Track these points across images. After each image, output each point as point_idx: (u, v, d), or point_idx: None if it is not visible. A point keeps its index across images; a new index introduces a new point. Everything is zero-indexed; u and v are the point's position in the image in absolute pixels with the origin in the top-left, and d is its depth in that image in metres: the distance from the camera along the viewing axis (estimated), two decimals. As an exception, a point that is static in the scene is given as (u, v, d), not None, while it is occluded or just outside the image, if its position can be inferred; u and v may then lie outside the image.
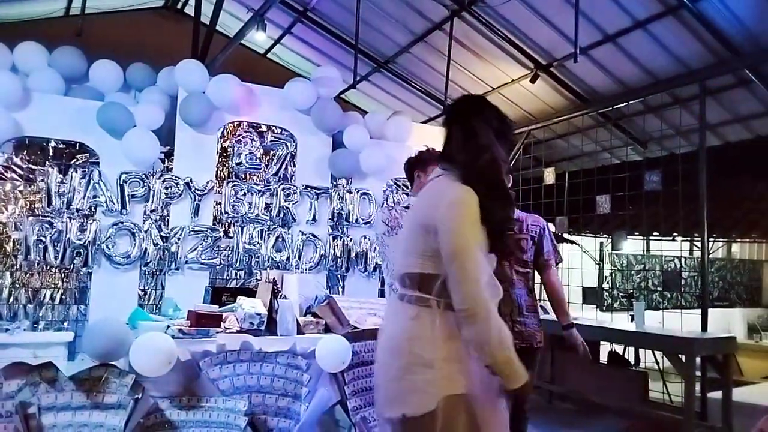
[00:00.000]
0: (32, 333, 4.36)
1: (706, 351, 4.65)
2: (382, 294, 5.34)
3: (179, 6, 8.10)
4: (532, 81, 6.52)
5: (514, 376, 1.71)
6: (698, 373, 4.86)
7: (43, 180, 4.53)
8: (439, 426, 1.69)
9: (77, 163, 4.62)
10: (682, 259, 9.58)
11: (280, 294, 3.92)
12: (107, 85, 4.94)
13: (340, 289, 5.24)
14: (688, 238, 9.52)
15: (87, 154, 4.64)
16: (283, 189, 5.04)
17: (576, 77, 6.50)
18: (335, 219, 5.23)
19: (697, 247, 8.32)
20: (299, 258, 5.05)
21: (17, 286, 4.48)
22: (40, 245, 4.35)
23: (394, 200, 5.35)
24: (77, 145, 4.62)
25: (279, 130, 5.18)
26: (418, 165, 2.90)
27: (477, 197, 1.73)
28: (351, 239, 5.23)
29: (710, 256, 9.31)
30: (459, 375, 1.73)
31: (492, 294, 1.75)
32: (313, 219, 5.12)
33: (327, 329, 4.15)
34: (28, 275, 4.54)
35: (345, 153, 5.21)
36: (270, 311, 3.69)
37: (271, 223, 5.01)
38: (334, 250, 5.18)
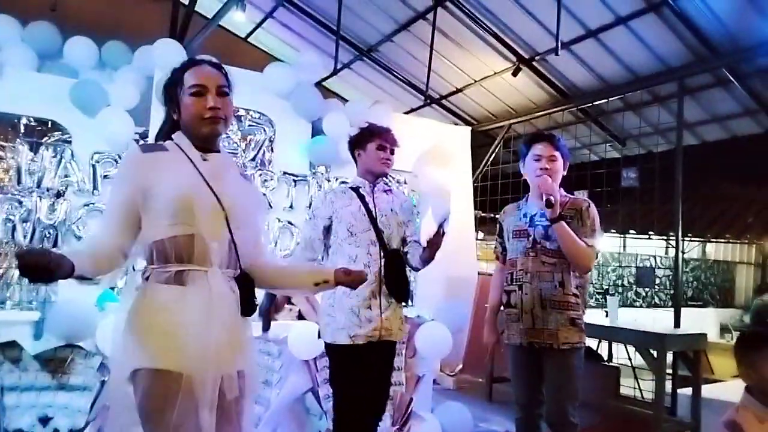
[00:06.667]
0: (-3, 312, 4.25)
1: (678, 347, 4.69)
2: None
3: (159, -15, 7.97)
4: (514, 74, 6.52)
5: None
6: (670, 371, 4.92)
7: (13, 158, 4.40)
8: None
9: (49, 141, 4.48)
10: (658, 258, 9.68)
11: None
12: (82, 63, 4.81)
13: (316, 277, 5.19)
14: (664, 237, 9.63)
15: (59, 132, 4.49)
16: (260, 174, 4.97)
17: (557, 72, 6.52)
18: (313, 207, 5.17)
19: (672, 246, 8.43)
20: (275, 245, 4.98)
21: (-17, 265, 4.36)
22: (8, 224, 4.23)
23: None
24: (49, 122, 4.48)
25: (257, 115, 5.09)
26: (357, 145, 2.81)
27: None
28: (328, 227, 5.17)
29: (685, 255, 9.42)
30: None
31: None
32: (290, 206, 5.06)
33: (300, 316, 4.11)
34: (-5, 254, 4.43)
35: (324, 140, 5.15)
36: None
37: (248, 208, 4.92)
38: (311, 237, 5.13)
